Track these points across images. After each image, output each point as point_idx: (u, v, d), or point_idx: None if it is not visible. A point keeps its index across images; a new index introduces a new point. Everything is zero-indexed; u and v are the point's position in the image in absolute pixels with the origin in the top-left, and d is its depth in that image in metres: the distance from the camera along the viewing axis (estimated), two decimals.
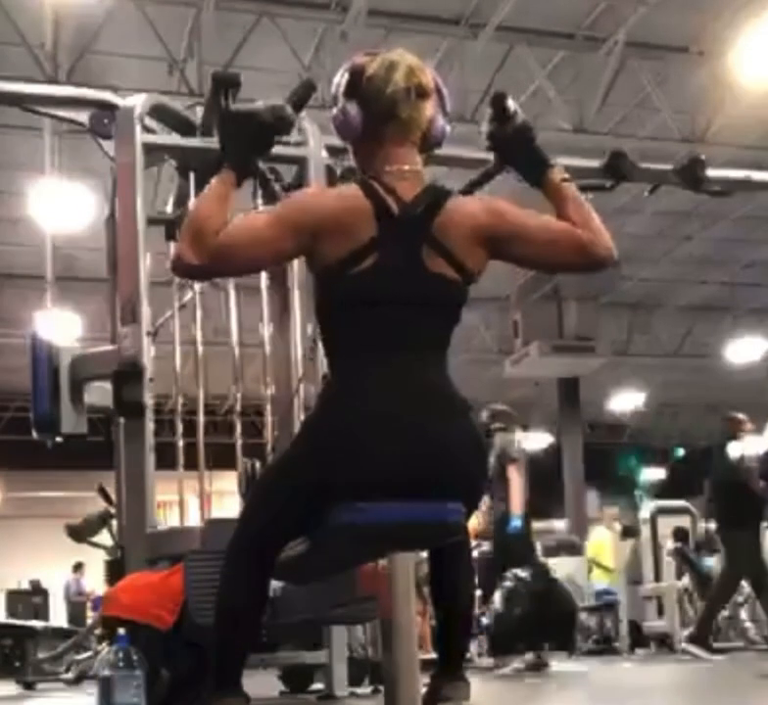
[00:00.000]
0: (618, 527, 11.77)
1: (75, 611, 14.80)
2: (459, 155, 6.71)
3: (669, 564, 10.16)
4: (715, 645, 9.87)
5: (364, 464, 2.30)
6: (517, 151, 2.59)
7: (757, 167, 7.95)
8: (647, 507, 11.41)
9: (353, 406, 2.36)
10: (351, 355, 2.42)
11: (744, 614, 9.51)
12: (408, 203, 2.43)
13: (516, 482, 7.88)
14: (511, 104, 2.56)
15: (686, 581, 10.00)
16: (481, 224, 2.47)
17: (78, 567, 14.95)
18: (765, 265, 15.14)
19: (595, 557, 12.28)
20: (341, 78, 2.52)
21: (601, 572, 12.09)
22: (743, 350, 17.11)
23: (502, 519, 7.79)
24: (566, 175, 2.57)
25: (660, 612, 10.31)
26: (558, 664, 7.44)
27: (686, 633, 9.85)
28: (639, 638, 10.85)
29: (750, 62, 9.07)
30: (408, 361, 2.39)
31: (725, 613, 9.77)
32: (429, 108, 2.51)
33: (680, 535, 10.33)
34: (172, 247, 5.39)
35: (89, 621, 13.06)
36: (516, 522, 7.73)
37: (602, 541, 12.38)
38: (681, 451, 23.82)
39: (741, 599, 9.36)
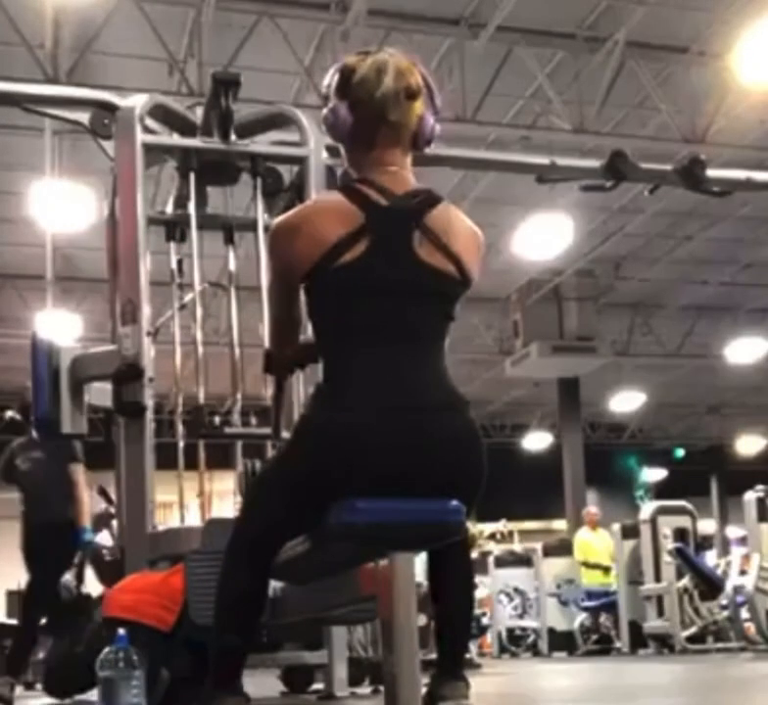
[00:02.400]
0: (616, 527, 11.75)
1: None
2: (459, 155, 6.72)
3: (669, 564, 10.16)
4: (715, 645, 9.89)
5: (359, 460, 2.30)
6: None
7: (757, 167, 7.96)
8: (647, 507, 11.40)
9: (346, 402, 2.36)
10: (344, 349, 2.42)
11: (744, 614, 9.50)
12: (398, 195, 2.46)
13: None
14: None
15: (686, 581, 10.00)
16: (475, 234, 2.53)
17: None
18: (765, 265, 15.14)
19: (586, 559, 12.27)
20: (331, 79, 2.54)
21: (598, 573, 12.09)
22: (743, 350, 17.12)
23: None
24: None
25: (660, 612, 10.31)
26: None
27: (685, 633, 9.88)
28: (639, 638, 10.85)
29: (751, 62, 9.06)
30: (402, 354, 2.39)
31: (725, 613, 9.77)
32: (418, 108, 2.51)
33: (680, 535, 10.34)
34: (173, 246, 5.41)
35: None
36: (88, 535, 6.22)
37: (585, 542, 12.38)
38: (681, 451, 23.82)
39: (741, 599, 9.35)
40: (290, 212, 2.56)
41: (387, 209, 2.43)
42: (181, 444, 4.98)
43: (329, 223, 2.40)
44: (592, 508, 13.33)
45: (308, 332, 2.65)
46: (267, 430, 4.34)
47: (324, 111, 2.54)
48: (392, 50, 2.55)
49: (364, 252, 2.38)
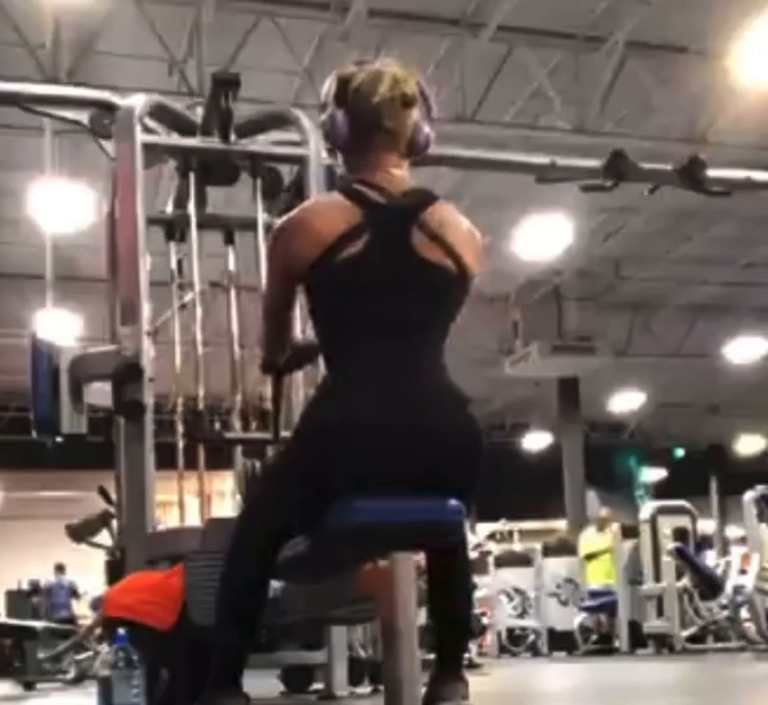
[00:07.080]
0: (616, 527, 11.75)
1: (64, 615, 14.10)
2: (459, 155, 6.72)
3: (669, 564, 10.16)
4: (715, 645, 9.89)
5: (359, 457, 2.32)
6: None
7: (757, 167, 7.96)
8: (647, 507, 11.40)
9: (346, 398, 2.38)
10: (344, 345, 2.45)
11: (744, 614, 9.49)
12: (396, 194, 2.50)
13: None
14: None
15: (686, 581, 10.00)
16: (470, 230, 2.55)
17: (60, 568, 14.26)
18: (765, 265, 15.13)
19: (590, 552, 12.26)
20: (329, 87, 2.59)
21: (602, 572, 12.08)
22: (743, 350, 17.12)
23: None
24: None
25: (660, 612, 10.31)
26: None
27: (685, 633, 9.88)
28: (639, 638, 10.85)
29: (750, 62, 9.06)
30: (401, 349, 2.41)
31: (725, 613, 9.77)
32: (414, 116, 2.57)
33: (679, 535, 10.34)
34: (173, 246, 5.40)
35: (81, 623, 12.94)
36: None
37: (590, 540, 12.39)
38: (681, 451, 23.81)
39: (741, 599, 9.34)
40: (290, 214, 2.58)
41: (385, 207, 2.47)
42: (181, 444, 4.98)
43: (328, 222, 2.44)
44: (604, 512, 13.31)
45: (307, 332, 2.66)
46: (267, 434, 4.35)
47: (322, 117, 2.59)
48: (389, 60, 2.62)
49: (363, 249, 2.41)
